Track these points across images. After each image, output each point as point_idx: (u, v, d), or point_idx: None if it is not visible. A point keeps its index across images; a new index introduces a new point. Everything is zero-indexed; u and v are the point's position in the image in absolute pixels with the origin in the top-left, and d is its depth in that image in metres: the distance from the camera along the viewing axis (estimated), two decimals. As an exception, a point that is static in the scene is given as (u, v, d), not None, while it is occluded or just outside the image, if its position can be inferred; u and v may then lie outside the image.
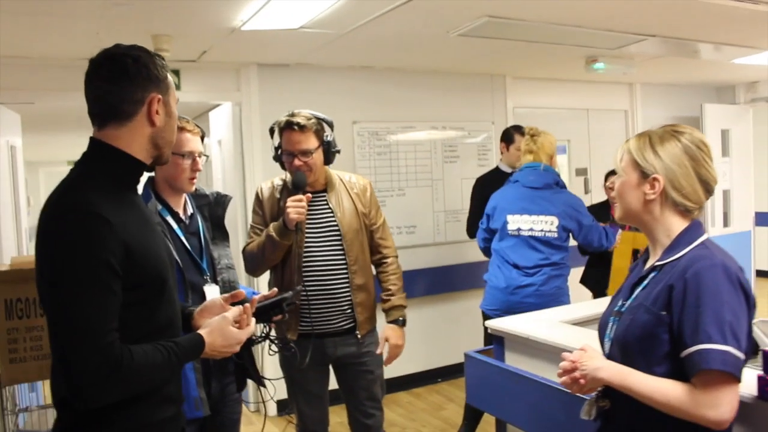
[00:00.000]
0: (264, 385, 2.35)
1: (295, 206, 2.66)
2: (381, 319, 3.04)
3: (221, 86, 4.62)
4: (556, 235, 3.66)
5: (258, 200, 2.93)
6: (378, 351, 2.89)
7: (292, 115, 2.75)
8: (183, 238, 2.33)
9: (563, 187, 3.80)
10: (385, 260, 2.98)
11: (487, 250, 4.08)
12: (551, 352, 2.41)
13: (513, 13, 3.56)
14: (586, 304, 3.41)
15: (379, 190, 5.02)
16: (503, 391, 2.56)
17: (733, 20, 3.91)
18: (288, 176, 2.87)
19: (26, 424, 3.80)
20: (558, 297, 3.65)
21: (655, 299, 1.56)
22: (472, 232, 4.55)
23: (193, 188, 2.38)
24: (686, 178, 1.60)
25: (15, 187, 4.47)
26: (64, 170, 3.72)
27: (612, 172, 4.15)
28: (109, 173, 1.55)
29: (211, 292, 2.33)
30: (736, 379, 1.45)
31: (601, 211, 4.35)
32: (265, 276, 3.02)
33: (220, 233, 2.53)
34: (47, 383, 2.98)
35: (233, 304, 1.83)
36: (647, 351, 1.55)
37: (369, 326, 2.89)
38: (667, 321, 1.52)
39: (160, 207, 2.32)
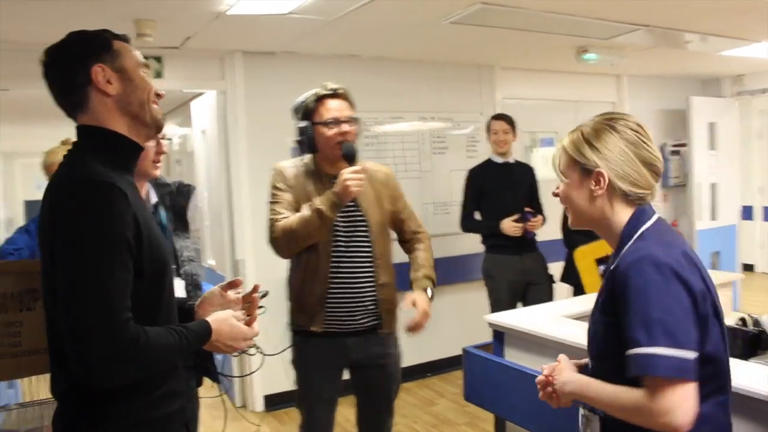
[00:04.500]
0: (220, 382, 2.31)
1: (356, 177, 2.44)
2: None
3: (205, 74, 4.48)
4: None
5: (282, 177, 2.66)
6: (405, 307, 2.67)
7: (327, 84, 2.62)
8: None
9: None
10: (418, 236, 2.83)
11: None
12: (553, 348, 2.35)
13: (507, 0, 3.47)
14: (588, 298, 3.33)
15: (367, 182, 4.93)
16: (503, 387, 2.49)
17: (722, 10, 3.88)
18: (309, 160, 2.68)
19: (5, 422, 3.67)
20: None
21: (603, 304, 1.47)
22: (465, 224, 4.49)
23: (158, 173, 2.25)
24: (630, 164, 1.50)
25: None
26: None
27: None
28: (106, 155, 1.49)
29: (177, 286, 2.20)
30: (683, 379, 1.32)
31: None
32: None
33: (181, 224, 2.46)
34: (26, 380, 2.86)
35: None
36: (613, 359, 1.42)
37: (392, 326, 2.72)
38: (615, 325, 1.41)
39: None
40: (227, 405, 2.35)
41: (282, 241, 2.57)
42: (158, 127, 1.62)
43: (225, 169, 4.56)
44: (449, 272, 5.21)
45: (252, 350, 2.29)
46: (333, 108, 2.58)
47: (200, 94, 4.92)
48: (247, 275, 4.47)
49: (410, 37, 4.28)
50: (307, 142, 2.62)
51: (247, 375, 4.50)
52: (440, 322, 5.21)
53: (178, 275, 2.28)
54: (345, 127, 2.56)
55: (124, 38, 1.58)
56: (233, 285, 1.79)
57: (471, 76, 5.40)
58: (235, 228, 4.51)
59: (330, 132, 2.57)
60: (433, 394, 4.84)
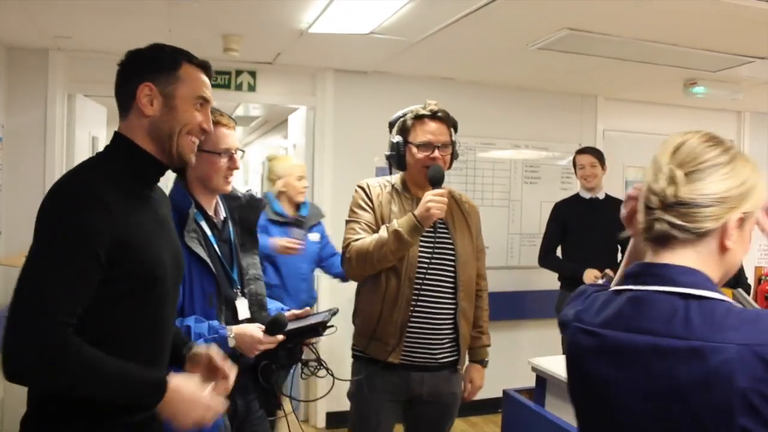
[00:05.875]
0: (281, 408, 2.22)
1: (439, 201, 2.31)
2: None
3: (297, 90, 4.58)
4: None
5: (366, 195, 2.56)
6: (464, 394, 2.64)
7: (429, 104, 2.52)
8: (216, 247, 2.13)
9: None
10: (480, 293, 2.66)
11: None
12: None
13: (595, 27, 3.29)
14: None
15: (451, 207, 4.84)
16: (538, 437, 2.32)
17: None
18: (397, 179, 2.59)
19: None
20: None
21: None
22: (545, 260, 4.28)
23: (230, 188, 2.19)
24: None
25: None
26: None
27: None
28: (125, 165, 1.54)
29: (242, 306, 2.16)
30: None
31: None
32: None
33: (250, 240, 2.31)
34: None
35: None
36: None
37: (464, 363, 2.61)
38: None
39: (195, 211, 2.11)
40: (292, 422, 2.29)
41: (355, 262, 2.46)
42: (183, 162, 1.62)
43: (310, 183, 4.60)
44: (529, 306, 5.00)
45: (321, 372, 2.26)
46: (429, 131, 2.47)
47: (296, 109, 5.03)
48: (320, 292, 4.49)
49: (499, 62, 4.16)
50: (397, 159, 2.52)
51: (314, 400, 4.49)
52: (515, 357, 4.99)
53: (242, 294, 2.18)
54: (436, 153, 2.44)
55: (203, 65, 1.61)
56: (215, 372, 1.68)
57: (571, 105, 5.18)
58: (314, 244, 4.54)
59: (420, 155, 2.46)
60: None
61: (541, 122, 5.09)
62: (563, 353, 1.26)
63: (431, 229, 2.41)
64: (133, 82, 1.52)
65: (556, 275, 4.34)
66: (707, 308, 1.06)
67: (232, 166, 2.13)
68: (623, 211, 1.29)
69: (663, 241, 1.14)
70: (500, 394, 4.85)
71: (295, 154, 5.11)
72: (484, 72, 4.57)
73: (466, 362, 2.65)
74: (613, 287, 1.21)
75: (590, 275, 3.89)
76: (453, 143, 2.52)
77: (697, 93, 4.39)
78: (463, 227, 2.57)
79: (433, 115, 2.48)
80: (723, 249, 1.13)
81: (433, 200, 2.31)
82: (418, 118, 2.49)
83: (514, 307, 4.94)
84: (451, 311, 2.48)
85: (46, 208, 1.42)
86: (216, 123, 2.04)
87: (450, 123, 2.53)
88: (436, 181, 2.39)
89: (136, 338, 1.52)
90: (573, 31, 3.31)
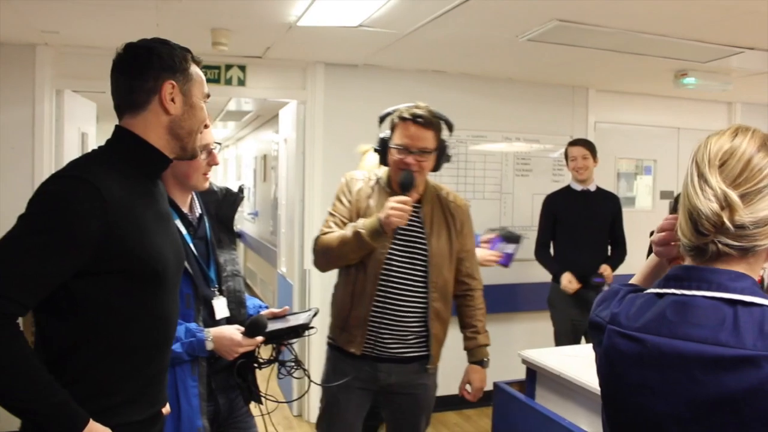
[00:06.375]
0: (262, 402, 2.22)
1: (400, 209, 2.33)
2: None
3: (287, 84, 4.55)
4: None
5: (347, 188, 2.60)
6: (462, 394, 2.67)
7: (416, 106, 2.49)
8: (192, 245, 2.07)
9: None
10: (470, 293, 2.66)
11: None
12: (585, 396, 2.14)
13: (585, 18, 3.27)
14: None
15: (443, 200, 4.83)
16: (528, 430, 2.31)
17: None
18: (383, 173, 2.60)
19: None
20: None
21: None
22: (538, 254, 4.29)
23: (207, 185, 2.14)
24: None
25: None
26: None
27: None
28: (127, 157, 1.55)
29: (219, 305, 2.12)
30: None
31: None
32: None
33: (227, 235, 2.26)
34: None
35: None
36: None
37: (437, 361, 2.62)
38: None
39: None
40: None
41: (320, 255, 2.54)
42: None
43: (300, 178, 4.60)
44: (523, 299, 5.00)
45: (297, 373, 2.27)
46: (407, 134, 2.45)
47: (286, 103, 5.00)
48: (312, 285, 4.49)
49: (490, 53, 4.14)
50: (381, 155, 2.56)
51: (292, 401, 4.50)
52: (509, 349, 4.99)
53: (220, 292, 2.14)
54: (410, 159, 2.44)
55: (199, 62, 1.66)
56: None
57: (563, 97, 5.17)
58: (305, 237, 4.53)
59: (396, 157, 2.47)
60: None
61: (532, 114, 5.08)
62: (595, 355, 1.20)
63: (405, 229, 2.45)
64: (151, 79, 1.53)
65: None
66: (758, 315, 1.01)
67: (212, 162, 2.10)
68: (656, 236, 1.23)
69: (714, 255, 1.08)
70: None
71: (286, 149, 5.09)
72: (474, 64, 4.56)
73: (468, 364, 2.70)
74: (653, 290, 1.15)
75: (566, 279, 3.93)
76: (440, 147, 2.49)
77: (688, 84, 4.39)
78: (441, 228, 2.56)
79: (414, 119, 2.45)
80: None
81: (393, 207, 2.33)
82: (402, 119, 2.48)
83: (507, 299, 4.94)
84: (421, 311, 2.51)
85: (40, 191, 1.44)
86: None
87: (436, 127, 2.49)
88: (404, 187, 2.42)
89: (140, 332, 1.53)
90: (563, 22, 3.30)
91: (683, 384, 1.04)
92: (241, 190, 2.40)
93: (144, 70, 1.53)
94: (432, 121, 2.45)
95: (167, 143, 1.59)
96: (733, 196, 1.04)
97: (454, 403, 4.82)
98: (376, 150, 2.57)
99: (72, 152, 4.23)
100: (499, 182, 5.02)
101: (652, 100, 5.45)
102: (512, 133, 5.05)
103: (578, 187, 4.15)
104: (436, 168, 2.54)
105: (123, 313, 1.49)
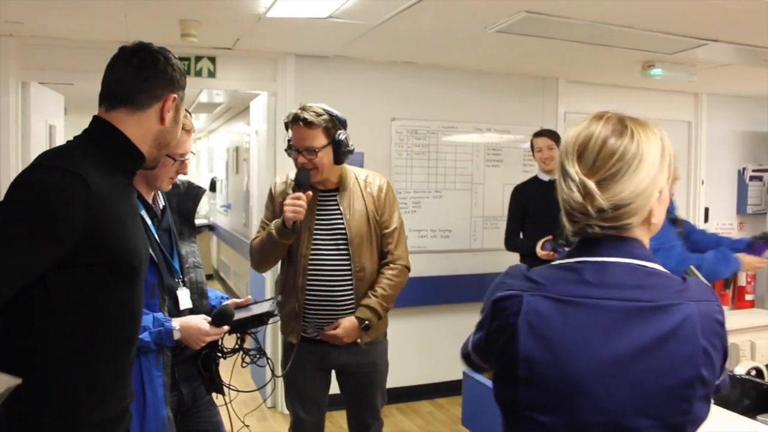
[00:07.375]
0: (223, 393, 2.29)
1: (292, 204, 2.53)
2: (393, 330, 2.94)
3: (257, 75, 4.53)
4: None
5: (270, 194, 2.81)
6: (327, 330, 2.66)
7: (303, 108, 2.61)
8: (156, 236, 2.10)
9: None
10: (388, 265, 2.75)
11: None
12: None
13: (553, 10, 3.31)
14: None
15: (415, 191, 4.86)
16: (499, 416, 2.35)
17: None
18: (294, 173, 2.72)
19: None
20: None
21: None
22: (509, 244, 4.33)
23: (170, 187, 2.18)
24: None
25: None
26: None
27: None
28: (106, 151, 1.55)
29: (183, 296, 2.16)
30: None
31: None
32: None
33: (188, 228, 2.31)
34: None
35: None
36: None
37: (373, 336, 2.74)
38: None
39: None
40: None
41: (252, 258, 2.82)
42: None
43: (272, 169, 4.58)
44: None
45: (261, 362, 2.37)
46: (296, 136, 2.62)
47: (257, 94, 4.98)
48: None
49: (459, 45, 4.17)
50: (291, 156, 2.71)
51: (253, 390, 4.47)
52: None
53: (183, 283, 2.18)
54: (301, 158, 2.60)
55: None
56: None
57: (533, 88, 5.22)
58: (277, 229, 4.53)
59: (293, 157, 2.66)
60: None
61: (502, 105, 5.12)
62: (493, 333, 1.24)
63: (326, 220, 2.66)
64: (162, 89, 1.59)
65: (518, 256, 4.39)
66: (660, 275, 1.16)
67: (181, 170, 2.14)
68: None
69: (596, 236, 1.18)
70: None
71: (257, 141, 5.08)
72: (444, 56, 4.58)
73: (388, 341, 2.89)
74: (564, 260, 1.22)
75: (540, 248, 3.95)
76: (333, 142, 2.59)
77: (655, 75, 4.46)
78: (360, 211, 2.70)
79: (298, 121, 2.58)
80: (649, 224, 1.19)
81: (288, 203, 2.54)
82: (290, 122, 2.64)
83: (478, 289, 4.95)
84: (350, 296, 2.67)
85: (24, 180, 1.44)
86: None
87: (323, 125, 2.58)
88: (299, 184, 2.59)
89: (111, 326, 1.53)
90: (530, 14, 3.33)
91: (607, 339, 1.11)
92: (213, 183, 2.43)
93: (160, 76, 1.59)
94: (315, 121, 2.57)
95: (148, 148, 1.62)
96: (590, 184, 1.13)
97: (428, 392, 4.93)
98: (286, 151, 2.72)
99: (39, 145, 4.17)
100: (470, 173, 5.06)
101: (620, 91, 5.53)
102: (483, 124, 5.09)
103: (546, 177, 4.19)
104: (338, 161, 2.65)
105: (95, 307, 1.49)
